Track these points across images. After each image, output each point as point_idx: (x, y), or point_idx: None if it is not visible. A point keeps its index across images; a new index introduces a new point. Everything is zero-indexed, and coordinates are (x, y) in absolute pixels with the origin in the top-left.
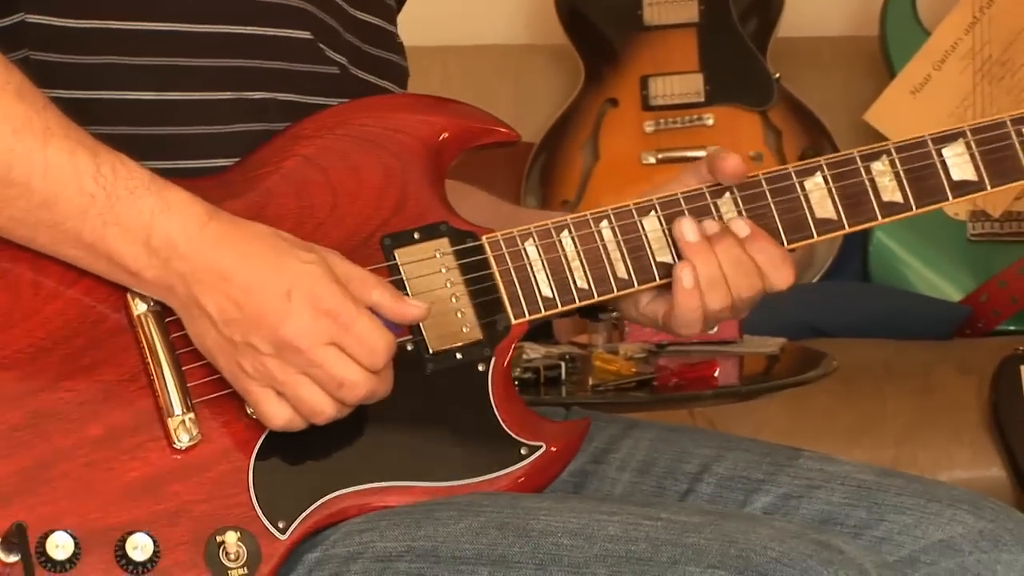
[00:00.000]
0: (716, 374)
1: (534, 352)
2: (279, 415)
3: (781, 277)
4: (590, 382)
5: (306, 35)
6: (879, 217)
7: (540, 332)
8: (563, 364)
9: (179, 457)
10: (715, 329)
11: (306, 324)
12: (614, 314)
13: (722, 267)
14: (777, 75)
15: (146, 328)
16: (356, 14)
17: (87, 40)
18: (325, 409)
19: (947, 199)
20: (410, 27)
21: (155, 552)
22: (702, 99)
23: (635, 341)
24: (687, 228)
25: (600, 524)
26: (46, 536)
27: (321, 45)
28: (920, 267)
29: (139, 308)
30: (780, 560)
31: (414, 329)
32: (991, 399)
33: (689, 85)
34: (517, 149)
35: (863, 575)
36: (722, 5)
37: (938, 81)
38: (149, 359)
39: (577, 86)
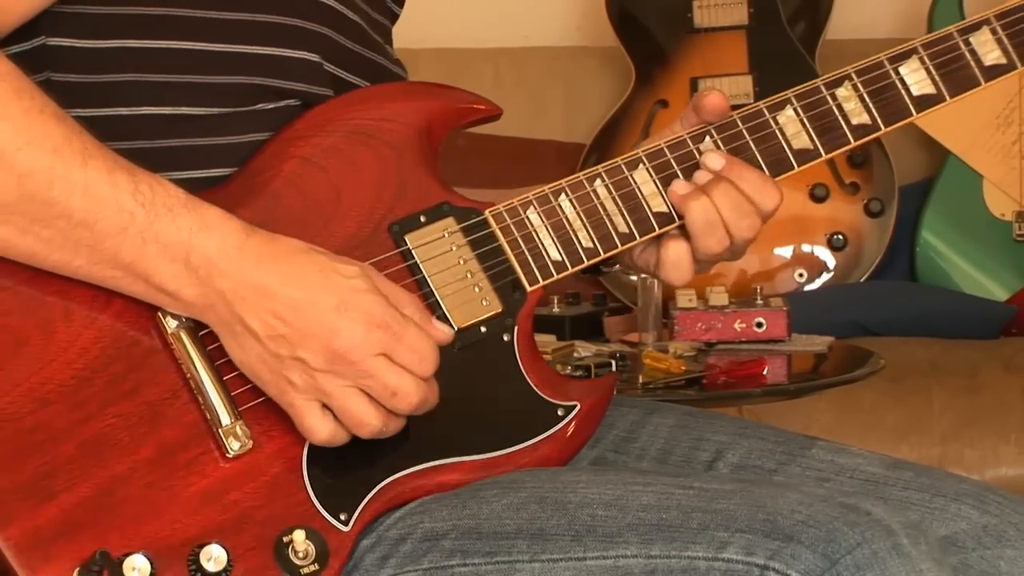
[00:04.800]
0: (765, 372)
1: (585, 351)
2: (322, 429)
3: (767, 198)
4: (640, 380)
5: (314, 57)
6: (851, 140)
7: (591, 331)
8: (614, 362)
9: (233, 465)
10: (763, 328)
11: (359, 337)
12: (616, 268)
13: (720, 211)
14: None
15: (182, 344)
16: (375, 36)
17: (106, 59)
18: (372, 421)
19: (912, 115)
20: (463, 29)
21: (228, 561)
22: (751, 101)
23: (684, 340)
24: (676, 184)
25: (634, 494)
26: (121, 562)
27: (329, 67)
28: (966, 267)
29: (171, 326)
30: (807, 523)
31: (436, 310)
32: None
33: (739, 87)
34: (569, 150)
35: (890, 535)
36: (771, 8)
37: None
38: (190, 373)
39: (628, 87)
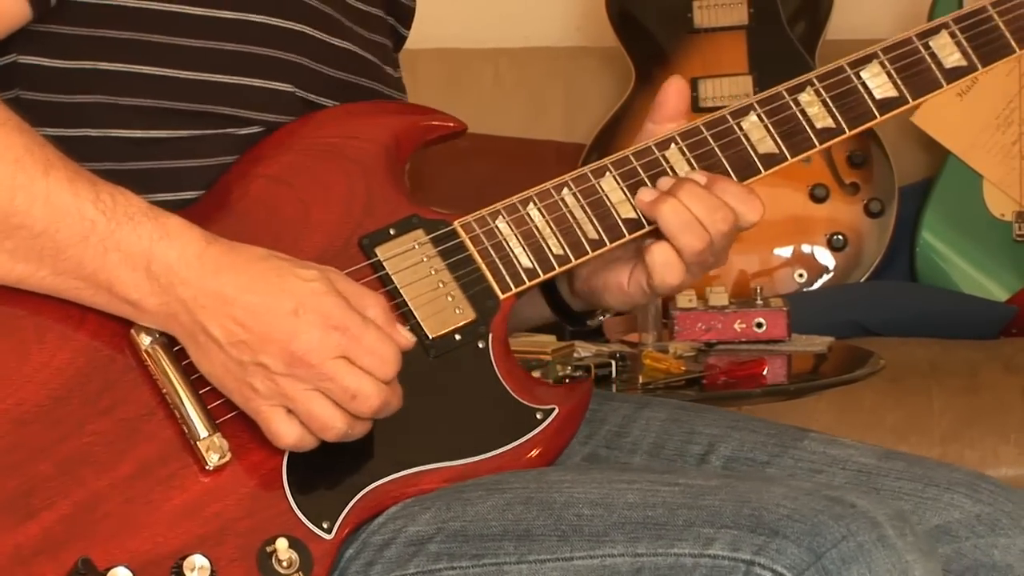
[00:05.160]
0: (765, 372)
1: (585, 351)
2: (289, 433)
3: (750, 209)
4: (640, 380)
5: (286, 87)
6: (817, 144)
7: (590, 331)
8: (614, 362)
9: (213, 478)
10: (763, 328)
11: (316, 339)
12: (601, 317)
13: (691, 209)
14: None
15: (156, 360)
16: (371, 59)
17: (76, 80)
18: (336, 424)
19: (875, 118)
20: (463, 29)
21: (212, 572)
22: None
23: (684, 340)
24: (642, 192)
25: (620, 492)
26: (105, 573)
27: (305, 95)
28: (966, 267)
29: (144, 342)
30: (791, 516)
31: (410, 320)
32: None
33: (739, 87)
34: (569, 150)
35: (875, 527)
36: (771, 8)
37: (985, 84)
38: (166, 389)
39: (628, 88)
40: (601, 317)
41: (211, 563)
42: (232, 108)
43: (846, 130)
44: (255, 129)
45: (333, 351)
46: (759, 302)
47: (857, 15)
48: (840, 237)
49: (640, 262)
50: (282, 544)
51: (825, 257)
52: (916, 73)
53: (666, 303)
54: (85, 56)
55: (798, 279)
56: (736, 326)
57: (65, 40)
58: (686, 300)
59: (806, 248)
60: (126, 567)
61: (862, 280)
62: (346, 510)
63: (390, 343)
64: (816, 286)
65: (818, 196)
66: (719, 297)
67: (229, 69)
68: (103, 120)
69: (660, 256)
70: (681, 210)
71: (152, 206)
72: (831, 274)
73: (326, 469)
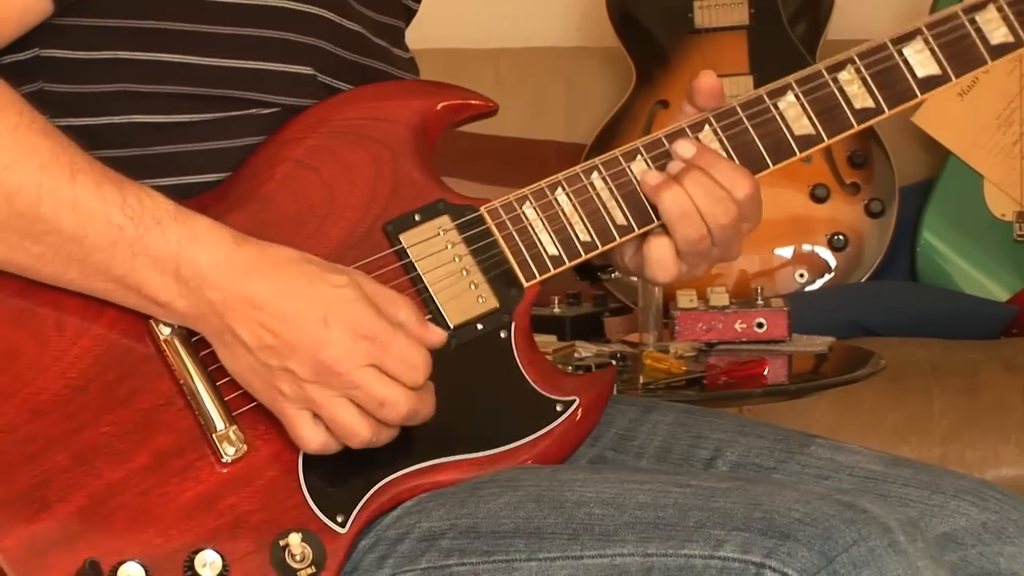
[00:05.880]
0: (765, 372)
1: (586, 351)
2: (314, 438)
3: (738, 187)
4: (641, 380)
5: (307, 70)
6: (855, 124)
7: (592, 331)
8: (614, 362)
9: (228, 470)
10: (764, 328)
11: (346, 348)
12: (613, 274)
13: (693, 199)
14: None
15: (174, 350)
16: (379, 42)
17: (99, 70)
18: (360, 431)
19: (916, 96)
20: (463, 29)
21: (224, 566)
22: None
23: (685, 340)
24: (648, 175)
25: (631, 493)
26: (116, 570)
27: (324, 78)
28: (967, 267)
29: (164, 332)
30: (803, 520)
31: (431, 308)
32: None
33: (739, 87)
34: (569, 150)
35: (887, 532)
36: (772, 8)
37: (985, 84)
38: (183, 380)
39: (628, 88)
40: (613, 275)
41: (223, 558)
42: (253, 92)
43: (885, 110)
44: (277, 109)
45: (362, 360)
46: (760, 302)
47: (858, 15)
48: (841, 237)
49: (642, 245)
50: (295, 538)
51: (826, 257)
52: (961, 50)
53: (667, 303)
54: (106, 46)
55: (799, 279)
56: (737, 326)
57: (86, 31)
58: (687, 300)
59: (807, 248)
60: (137, 562)
61: (863, 280)
62: (361, 504)
63: (419, 348)
64: (817, 286)
65: (819, 196)
66: (720, 297)
67: (250, 54)
68: (126, 107)
69: (656, 251)
70: (683, 198)
71: (180, 208)
72: (832, 274)
73: (342, 463)
